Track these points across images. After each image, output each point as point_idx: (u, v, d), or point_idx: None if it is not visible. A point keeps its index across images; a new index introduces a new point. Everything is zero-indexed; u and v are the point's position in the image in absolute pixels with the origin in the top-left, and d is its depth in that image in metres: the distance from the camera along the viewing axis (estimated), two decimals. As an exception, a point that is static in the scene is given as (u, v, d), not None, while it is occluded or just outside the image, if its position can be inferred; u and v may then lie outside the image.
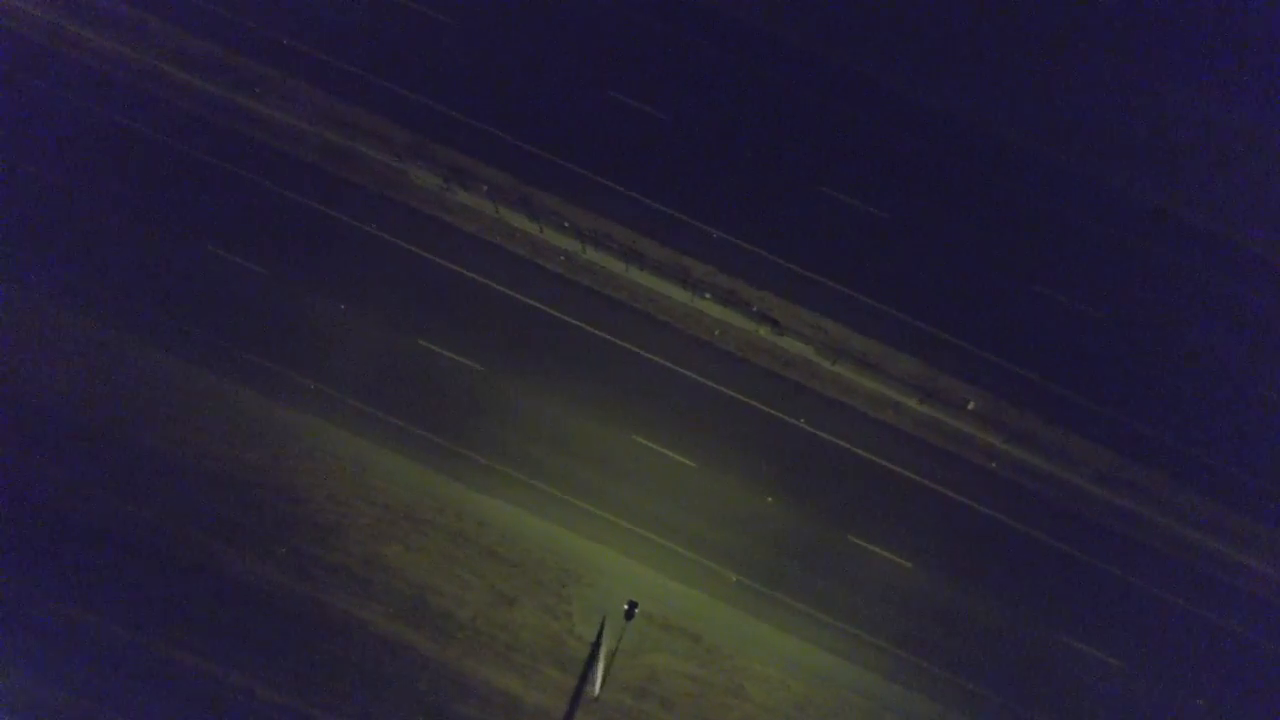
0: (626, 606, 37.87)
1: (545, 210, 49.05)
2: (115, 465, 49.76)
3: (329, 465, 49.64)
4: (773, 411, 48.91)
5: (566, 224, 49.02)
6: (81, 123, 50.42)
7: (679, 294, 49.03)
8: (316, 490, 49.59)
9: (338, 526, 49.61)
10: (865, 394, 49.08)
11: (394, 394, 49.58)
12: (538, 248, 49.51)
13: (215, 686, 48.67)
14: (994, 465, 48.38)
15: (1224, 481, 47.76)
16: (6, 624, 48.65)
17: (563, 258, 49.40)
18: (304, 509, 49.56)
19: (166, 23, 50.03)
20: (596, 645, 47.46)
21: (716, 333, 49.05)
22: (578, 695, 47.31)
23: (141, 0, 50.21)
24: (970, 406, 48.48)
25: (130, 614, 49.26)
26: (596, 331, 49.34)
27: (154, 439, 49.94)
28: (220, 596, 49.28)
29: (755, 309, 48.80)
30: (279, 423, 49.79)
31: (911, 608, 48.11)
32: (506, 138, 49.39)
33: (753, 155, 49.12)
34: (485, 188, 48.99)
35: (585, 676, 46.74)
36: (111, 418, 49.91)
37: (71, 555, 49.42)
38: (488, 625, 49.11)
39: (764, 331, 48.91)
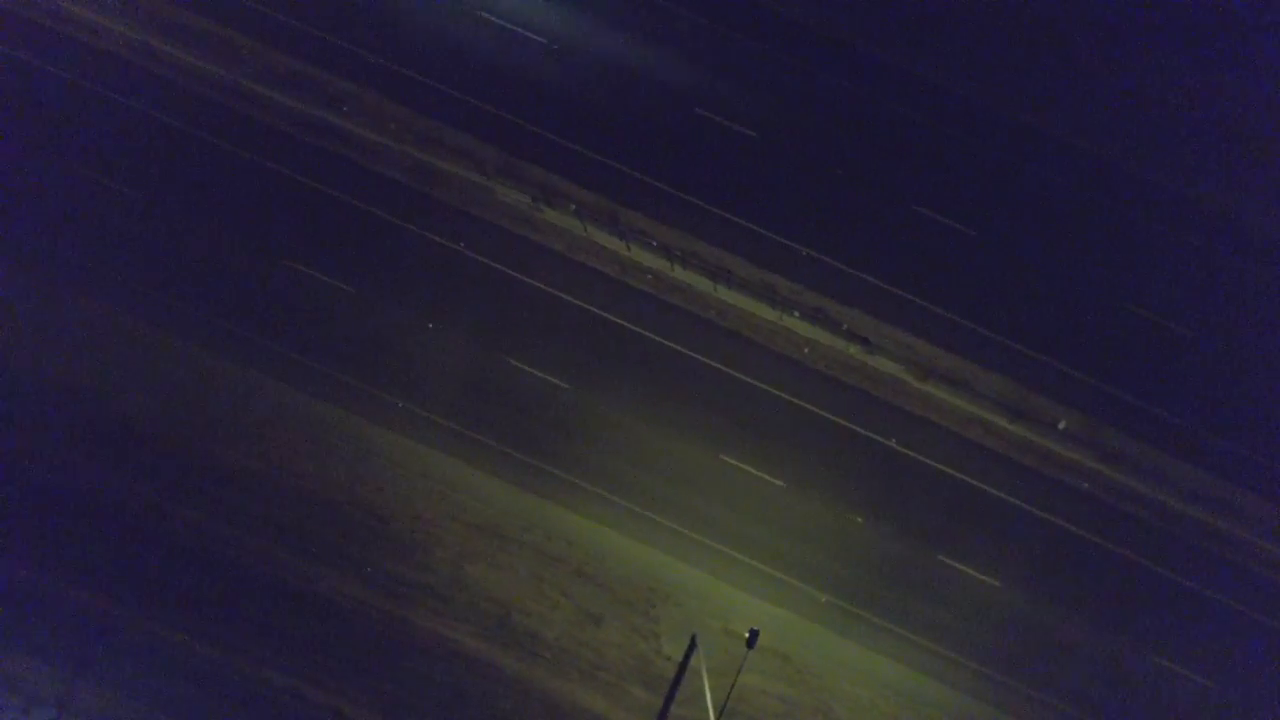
0: (749, 634, 37.77)
1: (633, 228, 49.05)
2: (200, 482, 49.97)
3: (416, 484, 49.76)
4: (862, 430, 48.84)
5: (654, 242, 49.02)
6: (168, 141, 50.56)
7: (767, 312, 49.01)
8: (403, 508, 49.69)
9: (424, 545, 49.71)
10: (955, 413, 48.97)
11: (481, 412, 49.67)
12: (625, 266, 49.52)
13: (300, 704, 48.79)
14: (1086, 485, 48.24)
15: (1322, 502, 47.57)
16: (98, 641, 48.81)
17: (650, 276, 49.40)
18: (390, 527, 49.67)
19: (253, 40, 50.18)
20: (683, 665, 47.31)
21: (805, 351, 48.99)
22: (664, 716, 47.17)
23: (228, 17, 50.22)
24: (1061, 426, 48.33)
25: (216, 633, 49.44)
26: (684, 350, 49.35)
27: (239, 455, 50.13)
28: (305, 614, 49.44)
29: (844, 327, 48.72)
30: (365, 441, 49.95)
31: (1001, 627, 48.02)
32: (594, 155, 49.42)
33: (842, 172, 49.08)
34: (573, 206, 49.03)
35: (670, 697, 46.58)
36: (197, 435, 50.07)
37: (156, 571, 49.61)
38: (573, 644, 49.15)
39: (853, 350, 48.83)
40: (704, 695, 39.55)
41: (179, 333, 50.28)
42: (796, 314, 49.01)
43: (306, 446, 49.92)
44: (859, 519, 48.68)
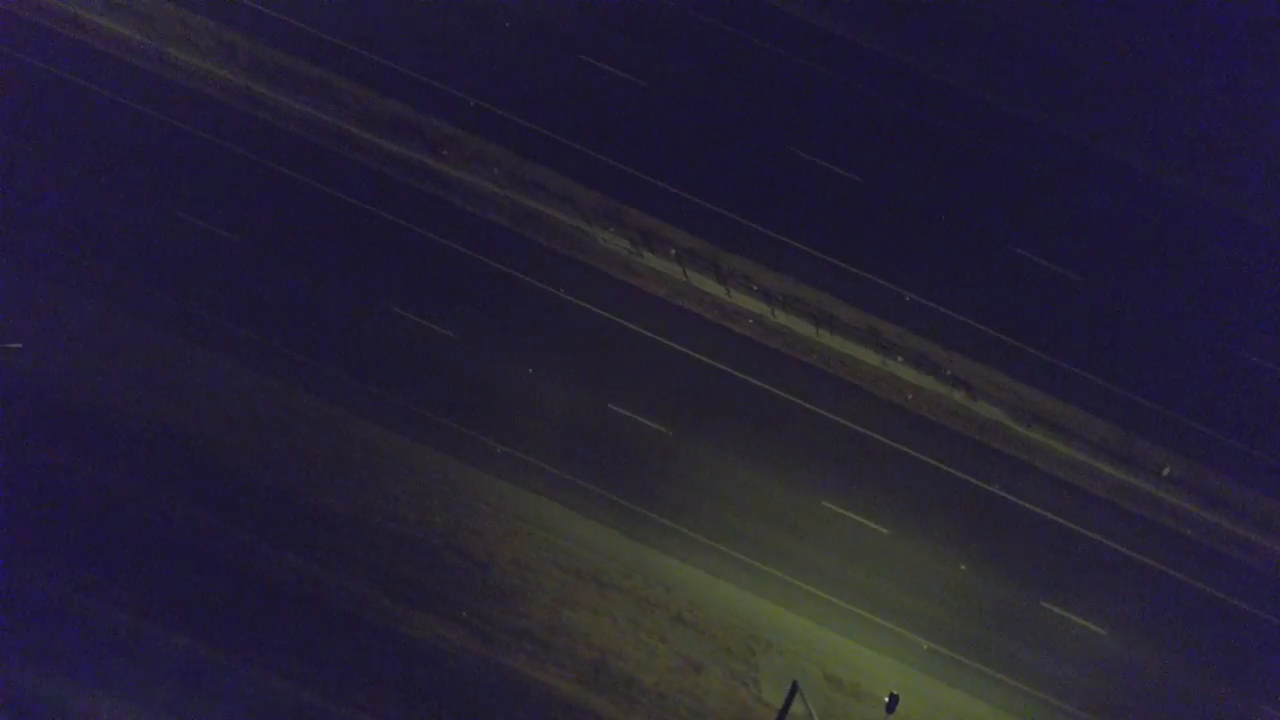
0: (888, 699, 37.63)
1: (734, 273, 49.23)
2: (298, 526, 50.09)
3: (515, 528, 49.83)
4: (965, 476, 48.81)
5: (756, 286, 49.18)
6: (269, 183, 50.94)
7: (870, 357, 49.06)
8: (501, 553, 49.75)
9: (521, 590, 49.72)
10: (1058, 458, 48.95)
11: (581, 457, 49.76)
12: (726, 311, 49.66)
13: (396, 750, 48.78)
14: (1190, 531, 48.10)
15: None
16: (201, 689, 48.91)
17: (751, 321, 49.53)
18: (488, 572, 49.74)
19: (355, 84, 50.61)
20: (784, 712, 47.24)
21: (909, 396, 49.02)
22: (764, 763, 47.14)
23: (331, 62, 50.63)
24: (1165, 471, 48.26)
25: (315, 676, 49.47)
26: (786, 395, 49.43)
27: (337, 499, 50.27)
28: (401, 658, 49.44)
29: (948, 372, 48.76)
30: (465, 485, 50.06)
31: (1107, 675, 47.84)
32: (695, 200, 49.67)
33: (946, 216, 49.24)
34: (674, 251, 49.24)
35: (770, 744, 46.53)
36: (296, 478, 50.22)
37: (255, 615, 49.71)
38: (673, 691, 49.04)
39: (956, 395, 48.85)
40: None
41: (278, 377, 50.50)
42: (900, 359, 49.06)
43: (405, 491, 50.02)
44: (962, 565, 48.59)
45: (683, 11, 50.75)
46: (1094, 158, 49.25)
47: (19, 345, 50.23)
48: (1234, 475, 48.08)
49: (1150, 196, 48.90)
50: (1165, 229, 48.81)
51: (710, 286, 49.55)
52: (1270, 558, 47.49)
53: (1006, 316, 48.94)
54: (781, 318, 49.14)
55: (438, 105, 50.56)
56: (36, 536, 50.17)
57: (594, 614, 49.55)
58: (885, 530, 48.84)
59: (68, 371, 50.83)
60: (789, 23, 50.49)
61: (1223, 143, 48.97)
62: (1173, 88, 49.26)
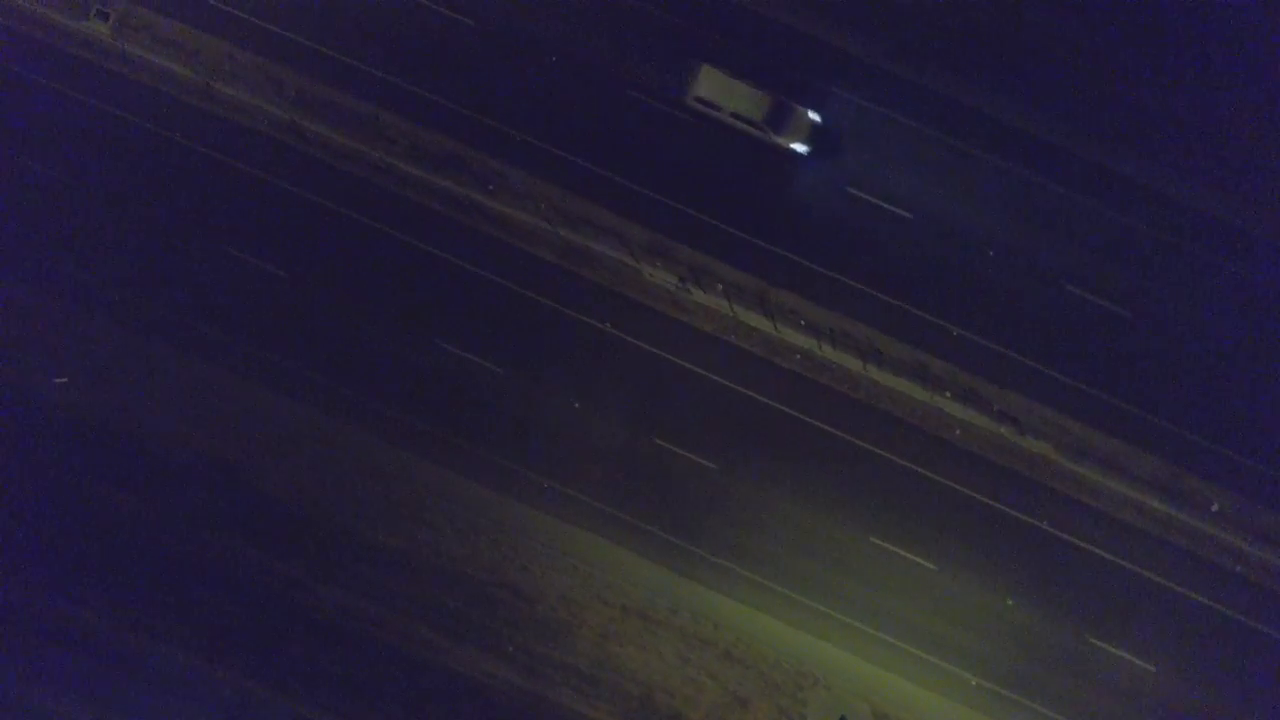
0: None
1: (781, 308, 49.42)
2: (345, 560, 50.44)
3: (562, 563, 50.10)
4: (1013, 512, 48.96)
5: (803, 321, 49.38)
6: (316, 218, 51.29)
7: (918, 392, 49.22)
8: (548, 588, 50.01)
9: (568, 625, 49.97)
10: (1107, 494, 49.06)
11: (628, 492, 50.00)
12: (773, 346, 49.88)
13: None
14: (1239, 567, 48.16)
15: None
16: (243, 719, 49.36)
17: (799, 356, 49.74)
18: (535, 607, 50.03)
19: (402, 119, 50.92)
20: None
21: (957, 432, 49.20)
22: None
23: (379, 97, 50.96)
24: (1215, 508, 48.34)
25: (359, 712, 49.73)
26: (833, 430, 49.63)
27: (384, 534, 50.68)
28: (448, 693, 49.73)
29: (996, 408, 48.87)
30: (512, 520, 50.42)
31: (1155, 712, 47.96)
32: (743, 235, 49.96)
33: (993, 252, 49.35)
34: (720, 286, 49.46)
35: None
36: (342, 512, 50.54)
37: (301, 650, 50.06)
38: (720, 727, 49.22)
39: (1004, 430, 48.99)
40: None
41: (325, 412, 50.87)
42: (948, 394, 49.22)
43: (452, 525, 50.39)
44: (1009, 600, 48.74)
45: (734, 49, 50.86)
46: (1142, 193, 49.31)
47: (65, 379, 50.58)
48: (1284, 511, 48.11)
49: (1200, 231, 48.93)
50: (1216, 263, 48.84)
51: (757, 322, 49.74)
52: (1321, 595, 47.57)
53: (1054, 351, 49.04)
54: (829, 353, 49.30)
55: (485, 140, 50.80)
56: (81, 571, 50.56)
57: (641, 649, 49.76)
58: (932, 565, 48.99)
59: (114, 406, 51.15)
60: (829, 55, 50.50)
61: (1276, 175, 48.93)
62: (1235, 128, 49.32)
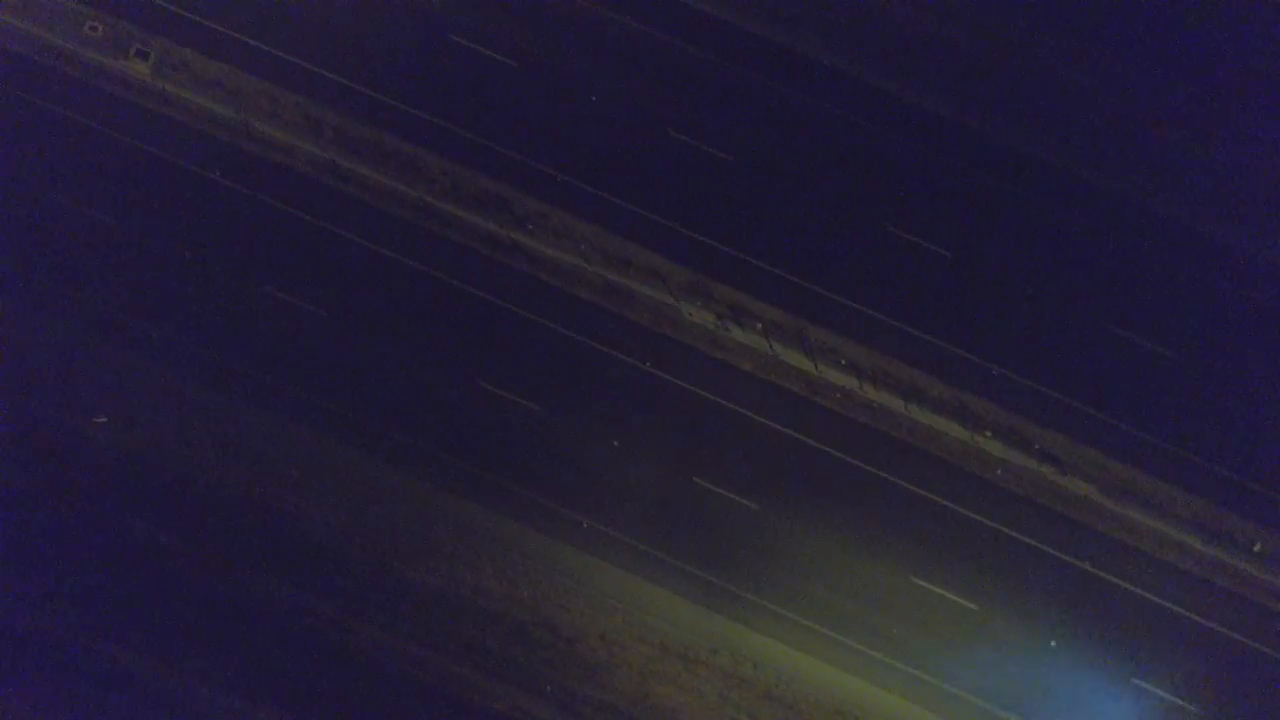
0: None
1: (822, 347, 49.55)
2: (385, 599, 50.53)
3: (601, 603, 50.20)
4: (1055, 552, 49.04)
5: (843, 361, 49.50)
6: (354, 257, 51.49)
7: (959, 432, 49.31)
8: (588, 627, 50.10)
9: (608, 664, 50.07)
10: (1149, 534, 49.12)
11: (667, 531, 50.13)
12: (814, 385, 49.99)
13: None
14: (1282, 608, 48.12)
15: None
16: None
17: (839, 395, 49.83)
18: (574, 647, 50.14)
19: (441, 158, 51.13)
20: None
21: (998, 471, 49.27)
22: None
23: (417, 136, 51.25)
24: (1257, 548, 48.37)
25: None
26: (874, 469, 49.72)
27: (424, 573, 50.81)
28: (485, 733, 49.83)
29: (1037, 447, 48.94)
30: (552, 560, 50.52)
31: (1199, 753, 47.77)
32: (782, 274, 50.13)
33: (1034, 292, 49.55)
34: (760, 325, 49.60)
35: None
36: (382, 552, 50.69)
37: (341, 689, 50.15)
38: (760, 766, 49.24)
39: (1046, 470, 49.03)
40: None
41: (365, 451, 50.99)
42: (989, 434, 49.27)
43: (492, 564, 50.54)
44: (1051, 641, 48.74)
45: (773, 88, 51.12)
46: (1189, 236, 49.52)
47: (105, 419, 50.81)
48: (1328, 552, 48.08)
49: (1246, 276, 49.00)
50: (1261, 308, 48.90)
51: (797, 360, 49.88)
52: (1364, 635, 47.52)
53: (1096, 392, 49.20)
54: (870, 392, 49.41)
55: (525, 180, 51.01)
56: (123, 611, 50.71)
57: (681, 690, 49.82)
58: (973, 605, 49.02)
59: (154, 446, 51.36)
60: (881, 100, 50.79)
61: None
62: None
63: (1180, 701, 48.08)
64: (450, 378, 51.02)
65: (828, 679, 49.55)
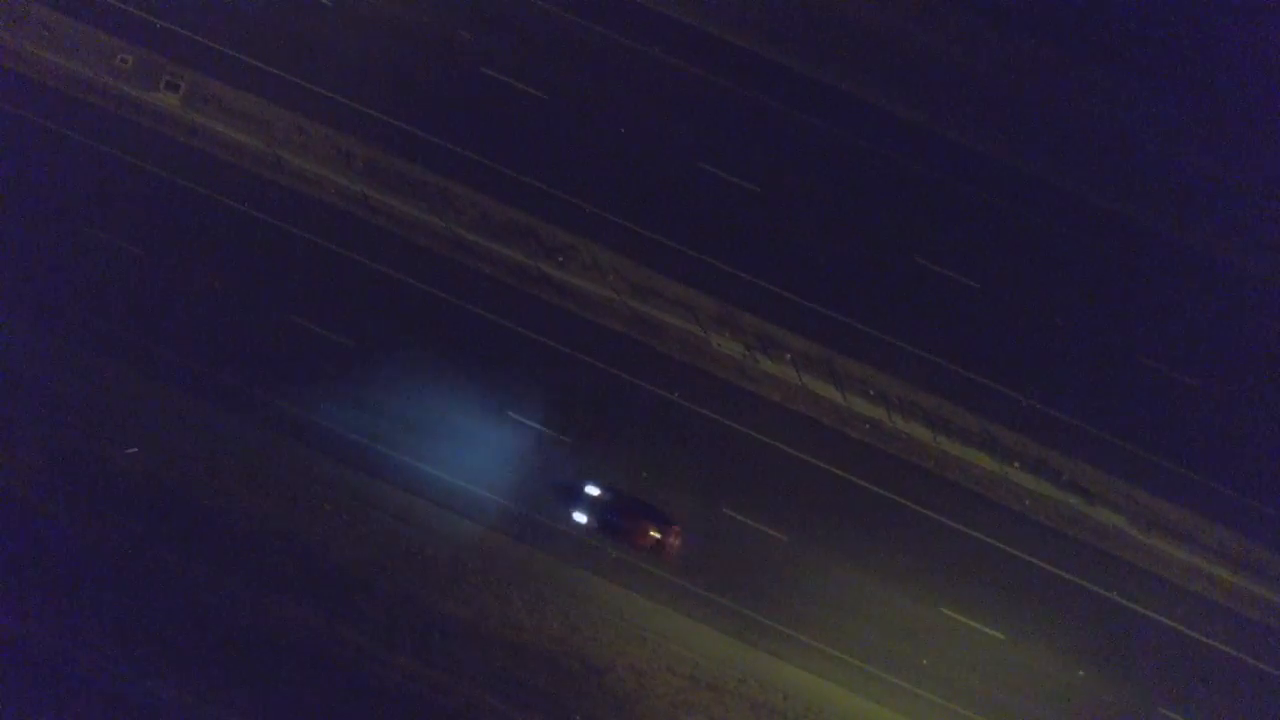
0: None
1: (851, 378, 49.82)
2: (414, 630, 50.72)
3: (631, 634, 50.42)
4: (1083, 583, 49.22)
5: (871, 391, 49.78)
6: (384, 290, 51.78)
7: (987, 462, 49.56)
8: (618, 659, 50.34)
9: (637, 696, 50.29)
10: (1179, 565, 49.31)
11: (696, 562, 50.41)
12: (843, 416, 50.25)
13: None
14: (1313, 639, 48.26)
15: None
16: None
17: (868, 426, 50.09)
18: (603, 678, 50.36)
19: (474, 190, 51.48)
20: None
21: (1027, 502, 49.50)
22: None
23: (446, 168, 51.66)
24: (1286, 579, 48.47)
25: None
26: (903, 501, 49.95)
27: (453, 605, 50.96)
28: (514, 764, 50.00)
29: (1065, 478, 49.16)
30: (580, 591, 50.70)
31: (1229, 785, 47.90)
32: (810, 305, 50.42)
33: (1063, 324, 49.81)
34: (788, 355, 49.88)
35: None
36: (411, 583, 50.91)
37: (371, 717, 50.36)
38: (789, 796, 49.41)
39: (1075, 501, 49.25)
40: None
41: (393, 480, 51.22)
42: (1017, 465, 49.55)
43: (521, 595, 50.69)
44: (1080, 671, 48.96)
45: (801, 120, 51.50)
46: (1217, 266, 49.83)
47: (135, 450, 51.14)
48: (1358, 582, 48.26)
49: (1274, 306, 49.31)
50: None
51: (826, 391, 50.15)
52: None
53: (1124, 423, 49.50)
54: (899, 423, 49.66)
55: (554, 212, 51.38)
56: (155, 642, 51.00)
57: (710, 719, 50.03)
58: (1002, 636, 49.24)
59: (184, 476, 51.67)
60: (909, 131, 51.16)
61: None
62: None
63: (1209, 732, 48.25)
64: (480, 409, 51.28)
65: (856, 709, 49.78)
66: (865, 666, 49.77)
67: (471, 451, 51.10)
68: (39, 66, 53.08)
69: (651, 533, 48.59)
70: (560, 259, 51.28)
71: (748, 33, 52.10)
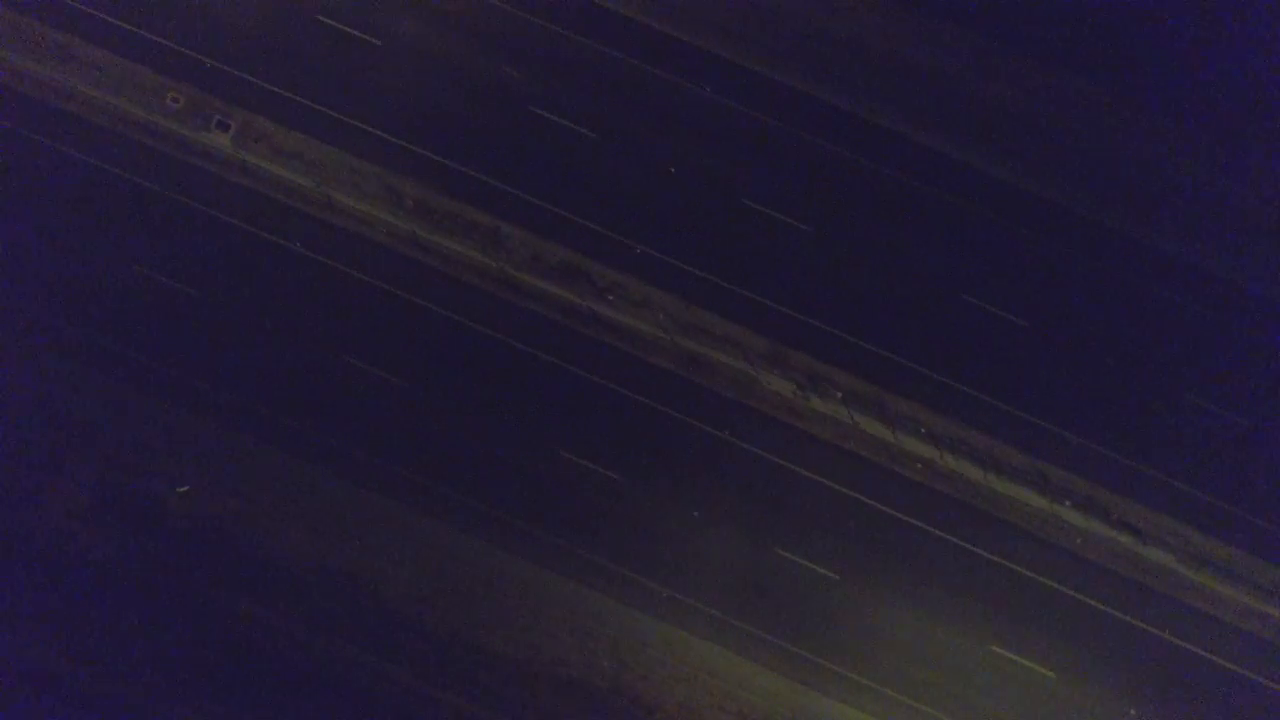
0: None
1: (901, 417, 50.11)
2: (462, 666, 50.91)
3: (681, 672, 50.59)
4: (1135, 622, 49.45)
5: (923, 430, 50.05)
6: (435, 329, 52.10)
7: (1037, 501, 49.82)
8: (667, 697, 50.53)
9: (688, 734, 50.37)
10: (1229, 604, 49.55)
11: (748, 601, 50.60)
12: (894, 455, 50.54)
13: None
14: (1364, 677, 48.40)
15: None
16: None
17: (919, 465, 50.35)
18: (653, 716, 50.59)
19: (524, 230, 51.83)
20: None
21: (1078, 541, 49.76)
22: None
23: (497, 207, 52.05)
24: (1338, 617, 48.62)
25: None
26: (954, 539, 50.20)
27: (502, 643, 51.15)
28: (564, 802, 50.11)
29: (1116, 516, 49.41)
30: (631, 629, 50.92)
31: (1280, 825, 48.03)
32: (861, 343, 50.74)
33: (1110, 360, 50.13)
34: (840, 394, 50.17)
35: None
36: (460, 619, 51.12)
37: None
38: (840, 836, 49.54)
39: (1125, 539, 49.50)
40: None
41: (443, 520, 51.49)
42: (1068, 503, 49.79)
43: (571, 634, 50.92)
44: (1131, 710, 49.15)
45: (850, 159, 51.90)
46: (1272, 308, 50.16)
47: (188, 489, 51.44)
48: None
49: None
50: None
51: (877, 430, 50.45)
52: None
53: (1177, 461, 49.68)
54: (950, 461, 49.94)
55: (605, 251, 51.78)
56: (204, 681, 51.16)
57: (760, 758, 50.21)
58: (1052, 674, 49.48)
59: (236, 516, 51.93)
60: (958, 170, 51.58)
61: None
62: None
63: (1262, 772, 48.39)
64: (531, 447, 51.58)
65: (908, 748, 49.98)
66: (915, 704, 50.02)
67: (522, 486, 51.36)
68: (90, 105, 53.52)
69: None
70: (610, 297, 51.63)
71: (799, 73, 52.53)
